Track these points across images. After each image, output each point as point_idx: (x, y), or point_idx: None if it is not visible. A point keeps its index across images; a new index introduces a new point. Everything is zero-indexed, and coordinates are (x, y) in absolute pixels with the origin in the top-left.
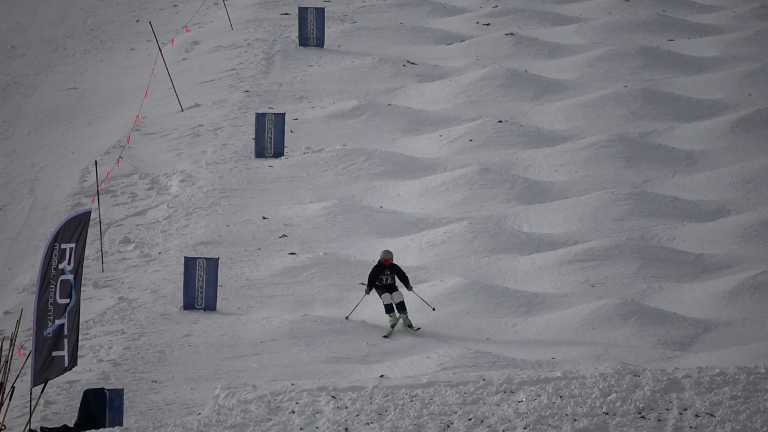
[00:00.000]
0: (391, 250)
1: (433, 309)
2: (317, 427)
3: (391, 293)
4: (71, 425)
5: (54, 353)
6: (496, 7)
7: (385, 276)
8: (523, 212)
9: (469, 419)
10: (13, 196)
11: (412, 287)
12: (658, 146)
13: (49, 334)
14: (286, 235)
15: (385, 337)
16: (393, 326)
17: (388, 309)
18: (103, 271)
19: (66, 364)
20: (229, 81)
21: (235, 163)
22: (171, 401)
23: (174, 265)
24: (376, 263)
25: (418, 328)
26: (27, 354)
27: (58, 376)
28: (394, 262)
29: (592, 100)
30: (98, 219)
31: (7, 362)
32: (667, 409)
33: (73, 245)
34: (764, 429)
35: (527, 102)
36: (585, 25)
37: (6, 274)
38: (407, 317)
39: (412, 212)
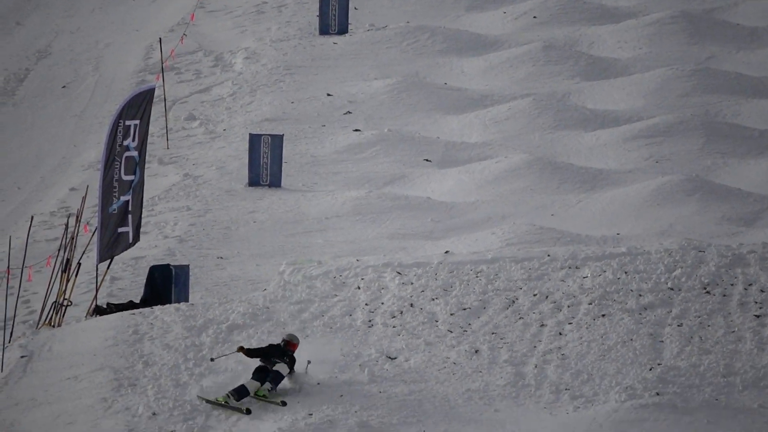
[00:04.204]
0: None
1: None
2: (382, 303)
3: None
4: (137, 301)
5: (119, 229)
6: None
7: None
8: (587, 89)
9: (534, 295)
10: (78, 74)
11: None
12: (722, 22)
13: (114, 210)
14: (350, 112)
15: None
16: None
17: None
18: (168, 148)
19: (130, 240)
20: None
21: (299, 40)
22: (236, 277)
23: (239, 142)
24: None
25: (283, 403)
26: (93, 230)
27: (122, 252)
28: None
29: None
30: (163, 96)
31: (73, 239)
32: (731, 285)
33: (137, 122)
34: None
35: None
36: None
37: (71, 151)
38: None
39: (476, 89)
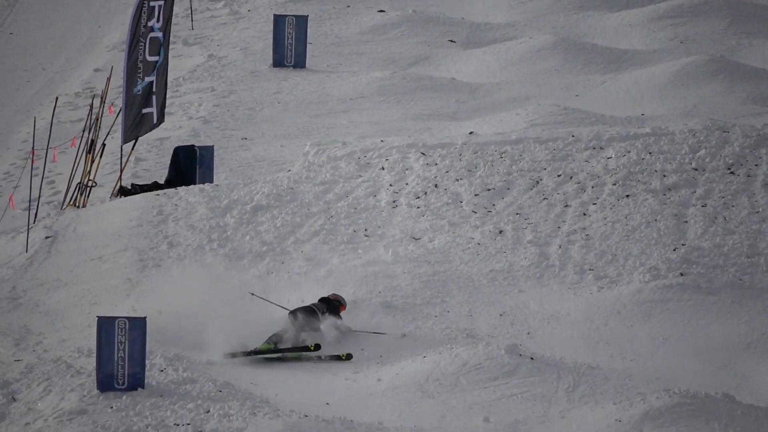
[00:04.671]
0: None
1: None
2: (407, 183)
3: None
4: (161, 182)
5: (144, 110)
6: None
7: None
8: None
9: (558, 175)
10: None
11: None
12: None
13: (138, 91)
14: None
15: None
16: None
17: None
18: (192, 29)
19: (154, 121)
20: None
21: None
22: (261, 158)
23: (263, 23)
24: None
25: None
26: (117, 111)
27: (147, 132)
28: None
29: None
30: None
31: (97, 120)
32: (756, 165)
33: (161, 2)
34: None
35: None
36: None
37: (96, 31)
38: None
39: None
